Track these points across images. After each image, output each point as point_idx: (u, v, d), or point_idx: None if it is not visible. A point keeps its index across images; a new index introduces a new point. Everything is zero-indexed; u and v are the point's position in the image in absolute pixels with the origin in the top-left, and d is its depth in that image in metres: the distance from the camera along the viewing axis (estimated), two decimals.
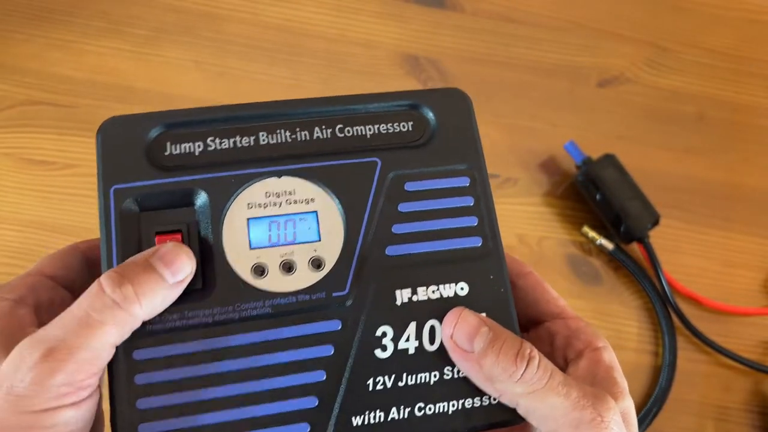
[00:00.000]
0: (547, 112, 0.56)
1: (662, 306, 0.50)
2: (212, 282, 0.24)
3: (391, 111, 0.28)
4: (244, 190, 0.25)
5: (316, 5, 0.56)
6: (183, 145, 0.26)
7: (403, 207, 0.26)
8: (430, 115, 0.28)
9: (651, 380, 0.49)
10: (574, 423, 0.23)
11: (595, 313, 0.51)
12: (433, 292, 0.25)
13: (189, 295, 0.24)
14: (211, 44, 0.54)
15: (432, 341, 0.25)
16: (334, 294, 0.25)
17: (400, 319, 0.25)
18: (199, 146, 0.26)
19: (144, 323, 0.23)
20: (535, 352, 0.24)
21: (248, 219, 0.25)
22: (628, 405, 0.25)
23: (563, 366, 0.27)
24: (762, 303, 0.53)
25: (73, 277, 0.27)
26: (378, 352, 0.24)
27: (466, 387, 0.25)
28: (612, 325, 0.50)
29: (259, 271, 0.25)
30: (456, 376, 0.25)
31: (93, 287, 0.23)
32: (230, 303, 0.24)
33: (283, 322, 0.24)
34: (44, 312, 0.26)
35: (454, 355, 0.25)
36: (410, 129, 0.28)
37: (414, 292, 0.25)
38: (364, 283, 0.25)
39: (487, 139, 0.54)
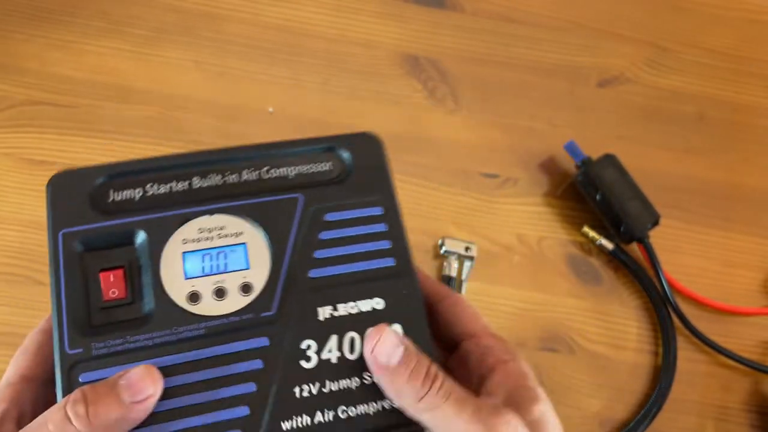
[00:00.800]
0: (547, 112, 0.56)
1: (662, 306, 0.50)
2: (151, 310, 0.27)
3: (311, 153, 0.31)
4: (179, 228, 0.28)
5: (316, 5, 0.56)
6: (124, 192, 0.29)
7: (324, 235, 0.29)
8: (347, 155, 0.31)
9: (651, 380, 0.49)
10: None
11: (595, 313, 0.51)
12: (352, 307, 0.28)
13: (131, 322, 0.27)
14: (211, 44, 0.54)
15: (352, 351, 0.28)
16: (262, 314, 0.27)
17: (322, 332, 0.28)
18: (138, 192, 0.29)
19: (90, 348, 0.26)
20: (440, 374, 0.26)
21: (183, 253, 0.28)
22: (544, 408, 0.26)
23: (478, 384, 0.28)
24: (762, 303, 0.53)
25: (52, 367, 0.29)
26: (303, 363, 0.27)
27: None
28: (612, 325, 0.51)
29: (194, 298, 0.27)
30: (375, 380, 0.27)
31: (62, 401, 0.25)
32: (168, 327, 0.27)
33: (216, 341, 0.27)
34: (28, 420, 0.26)
35: (372, 368, 0.27)
36: (329, 168, 0.31)
37: (335, 309, 0.28)
38: (289, 303, 0.28)
39: (487, 139, 0.54)
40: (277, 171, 0.30)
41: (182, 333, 0.27)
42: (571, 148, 0.52)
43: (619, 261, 0.51)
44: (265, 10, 0.56)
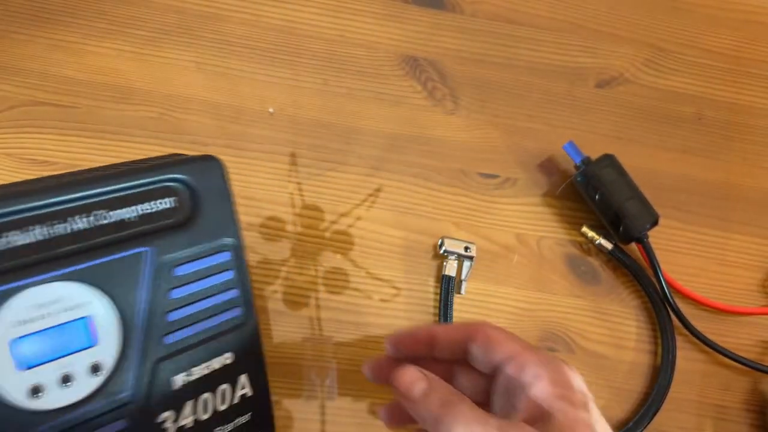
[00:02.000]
0: (546, 112, 0.56)
1: (661, 305, 0.50)
2: None
3: (152, 187, 0.27)
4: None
5: (317, 6, 0.57)
6: None
7: (176, 293, 0.27)
8: (191, 187, 0.28)
9: (650, 379, 0.50)
10: None
11: (594, 313, 0.51)
12: (206, 368, 0.28)
13: None
14: (211, 45, 0.54)
15: (205, 411, 0.27)
16: (117, 397, 0.25)
17: (178, 402, 0.27)
18: None
19: None
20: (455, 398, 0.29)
21: (11, 341, 0.22)
22: (582, 415, 0.28)
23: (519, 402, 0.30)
24: (760, 302, 0.53)
25: None
26: None
27: None
28: (611, 325, 0.51)
29: (35, 391, 0.23)
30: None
31: None
32: None
33: None
34: None
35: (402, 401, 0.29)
36: (174, 205, 0.27)
37: (189, 374, 0.27)
38: (143, 378, 0.25)
39: (486, 140, 0.55)
40: (116, 214, 0.25)
41: None
42: (570, 149, 0.52)
43: (618, 261, 0.51)
44: (266, 11, 0.56)
